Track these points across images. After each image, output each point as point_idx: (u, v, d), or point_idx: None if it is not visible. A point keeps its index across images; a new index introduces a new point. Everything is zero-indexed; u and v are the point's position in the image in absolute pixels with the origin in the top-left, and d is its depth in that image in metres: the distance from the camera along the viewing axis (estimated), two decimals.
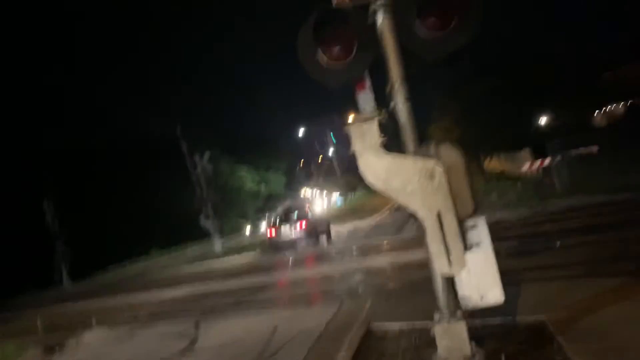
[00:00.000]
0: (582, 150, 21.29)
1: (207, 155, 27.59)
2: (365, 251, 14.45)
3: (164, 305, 11.71)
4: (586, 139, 22.35)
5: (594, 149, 21.76)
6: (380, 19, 3.90)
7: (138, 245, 32.40)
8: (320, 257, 15.81)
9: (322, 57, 3.86)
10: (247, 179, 55.70)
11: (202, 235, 32.98)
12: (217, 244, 26.07)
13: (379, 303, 7.25)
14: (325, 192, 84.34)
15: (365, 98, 4.12)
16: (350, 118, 4.06)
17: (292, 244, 19.23)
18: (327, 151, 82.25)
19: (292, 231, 19.68)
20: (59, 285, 25.38)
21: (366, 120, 3.99)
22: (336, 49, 3.83)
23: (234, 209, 49.80)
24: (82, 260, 26.10)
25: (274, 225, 20.55)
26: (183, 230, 34.96)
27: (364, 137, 3.96)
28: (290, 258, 16.94)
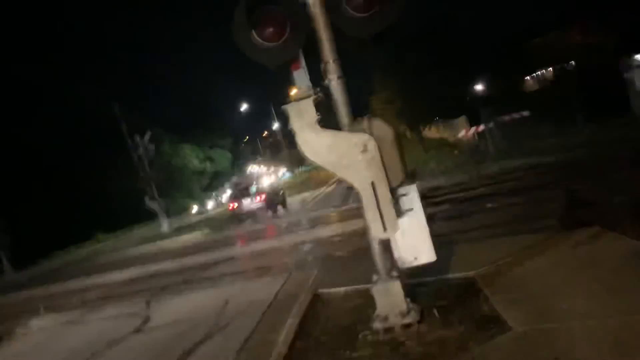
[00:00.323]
0: (514, 115, 22.43)
1: (147, 135, 26.94)
2: (312, 222, 14.82)
3: (114, 288, 11.67)
4: (518, 104, 23.52)
5: (525, 113, 22.96)
6: (311, 0, 4.09)
7: (83, 230, 31.54)
8: (270, 231, 16.07)
9: (256, 38, 4.01)
10: (191, 157, 54.77)
11: (149, 216, 32.45)
12: (165, 225, 25.79)
13: (326, 271, 7.60)
14: (272, 166, 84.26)
15: (301, 77, 4.32)
16: (288, 97, 4.26)
17: (253, 214, 22.56)
18: (272, 126, 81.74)
19: (253, 203, 23.18)
20: None
21: (303, 98, 4.20)
22: (269, 30, 3.99)
23: (179, 188, 49.00)
24: (24, 248, 25.17)
25: (235, 198, 24.21)
26: (129, 213, 34.24)
27: (301, 115, 4.17)
28: (241, 232, 17.13)
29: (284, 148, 71.36)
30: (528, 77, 44.52)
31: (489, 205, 9.64)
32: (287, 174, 70.11)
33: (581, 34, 41.95)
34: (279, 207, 22.70)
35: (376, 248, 4.42)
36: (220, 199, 51.10)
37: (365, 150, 4.02)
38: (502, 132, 19.54)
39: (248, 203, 23.12)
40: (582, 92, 19.99)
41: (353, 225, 11.22)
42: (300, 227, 14.74)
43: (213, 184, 58.01)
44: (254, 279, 9.14)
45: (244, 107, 66.64)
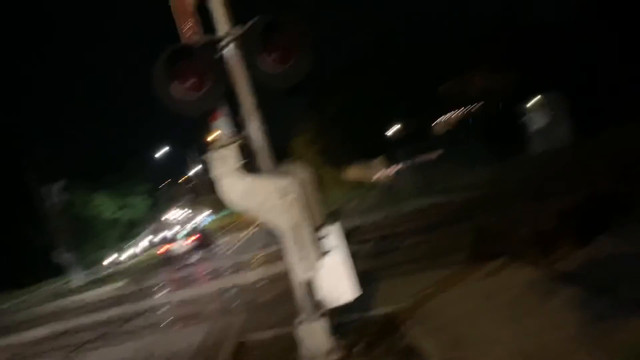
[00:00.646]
0: (428, 155, 23.77)
1: (59, 184, 25.50)
2: (236, 267, 14.63)
3: (25, 348, 10.76)
4: (429, 145, 24.97)
5: (437, 154, 24.39)
6: (229, 54, 4.28)
7: None
8: (192, 278, 15.64)
9: (176, 90, 4.12)
10: (103, 207, 52.21)
11: (58, 271, 30.31)
12: (77, 278, 24.21)
13: (251, 316, 7.55)
14: (194, 210, 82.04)
15: (223, 125, 4.46)
16: (209, 145, 4.37)
17: (183, 256, 22.99)
18: (192, 169, 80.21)
19: (184, 245, 24.16)
20: None
21: (224, 145, 4.32)
22: (189, 83, 4.12)
23: (90, 240, 46.36)
24: None
25: (166, 242, 25.70)
26: (33, 269, 31.74)
27: (224, 161, 4.28)
28: (162, 280, 16.56)
29: (205, 192, 69.91)
30: (441, 118, 47.45)
31: (407, 242, 10.09)
32: (209, 218, 68.65)
33: (484, 79, 45.71)
34: (209, 248, 24.02)
35: (299, 289, 4.53)
36: (136, 248, 48.40)
37: (286, 193, 4.18)
38: (417, 171, 20.57)
39: (179, 246, 24.05)
40: (487, 133, 21.62)
41: (276, 268, 11.28)
42: (223, 272, 14.49)
43: (130, 232, 55.47)
44: (176, 328, 8.85)
45: (163, 150, 64.92)
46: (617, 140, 14.53)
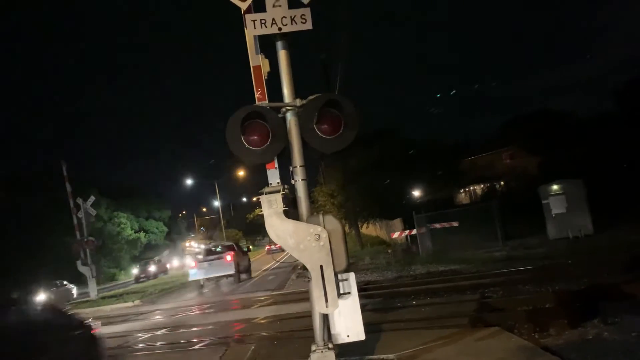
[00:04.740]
0: (444, 224, 24.35)
1: (91, 199, 26.83)
2: (249, 303, 15.30)
3: None
4: (449, 214, 25.58)
5: (455, 223, 24.96)
6: (289, 118, 5.26)
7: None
8: (201, 309, 16.30)
9: (244, 143, 5.09)
10: (126, 226, 53.61)
11: (75, 281, 31.28)
12: (93, 291, 25.03)
13: (263, 347, 8.24)
14: (206, 244, 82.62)
15: (274, 175, 5.41)
16: (261, 190, 5.29)
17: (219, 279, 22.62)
18: (212, 204, 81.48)
19: (221, 267, 22.26)
20: None
21: (273, 192, 5.23)
22: (255, 138, 5.09)
23: (106, 255, 47.42)
24: None
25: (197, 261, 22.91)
26: (51, 275, 32.76)
27: (271, 204, 5.18)
28: (173, 306, 17.19)
29: (221, 228, 70.69)
30: (461, 191, 48.24)
31: (414, 302, 10.72)
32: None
33: (510, 158, 46.71)
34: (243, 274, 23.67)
35: (317, 321, 5.29)
36: (145, 270, 47.75)
37: (318, 238, 5.03)
38: (434, 237, 21.13)
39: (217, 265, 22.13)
40: (506, 210, 22.21)
41: (287, 309, 12.00)
42: (236, 307, 15.16)
43: (143, 255, 56.50)
44: (190, 352, 9.51)
45: (186, 182, 66.65)
46: (636, 233, 15.15)
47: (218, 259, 22.59)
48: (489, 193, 40.94)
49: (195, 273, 22.32)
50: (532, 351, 5.74)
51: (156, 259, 47.80)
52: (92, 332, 6.87)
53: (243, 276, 23.58)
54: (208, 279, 22.72)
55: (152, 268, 43.34)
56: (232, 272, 22.41)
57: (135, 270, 44.36)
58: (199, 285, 22.78)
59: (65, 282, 30.29)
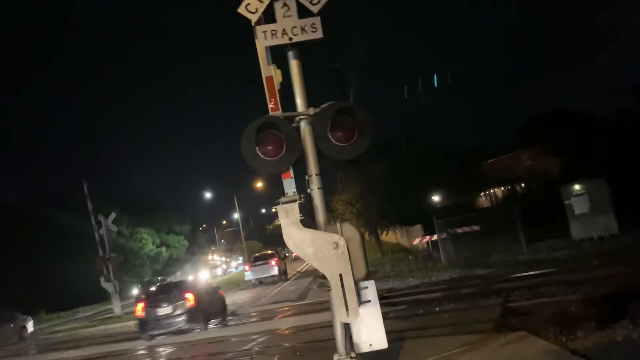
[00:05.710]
0: (465, 228, 24.05)
1: (112, 216, 27.18)
2: (271, 315, 15.30)
3: None
4: (470, 218, 25.27)
5: (476, 227, 24.64)
6: (303, 127, 5.27)
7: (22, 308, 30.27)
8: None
9: (259, 153, 5.11)
10: (147, 241, 54.13)
11: (94, 298, 31.58)
12: (117, 307, 25.26)
13: (286, 358, 8.22)
14: (227, 257, 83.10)
15: (289, 184, 5.40)
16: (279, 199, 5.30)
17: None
18: (232, 216, 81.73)
19: (267, 270, 29.28)
20: None
21: (290, 202, 5.23)
22: (270, 148, 5.10)
23: (128, 271, 47.86)
24: None
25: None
26: (76, 293, 33.26)
27: (288, 214, 5.18)
28: None
29: (241, 240, 70.79)
30: (481, 194, 47.68)
31: (437, 308, 10.59)
32: (240, 267, 69.51)
33: (530, 159, 46.10)
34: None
35: (339, 330, 5.25)
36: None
37: (336, 247, 5.00)
38: (453, 243, 20.87)
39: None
40: (527, 213, 21.85)
41: (309, 319, 11.98)
42: (257, 318, 15.17)
43: (165, 270, 56.89)
44: None
45: (205, 195, 66.88)
46: None
47: (265, 264, 29.25)
48: (510, 196, 40.40)
49: (250, 274, 29.68)
50: (560, 354, 5.61)
51: (160, 277, 40.16)
52: (221, 293, 17.17)
53: (282, 277, 29.44)
54: (258, 279, 29.23)
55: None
56: (276, 273, 28.86)
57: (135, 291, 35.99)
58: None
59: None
